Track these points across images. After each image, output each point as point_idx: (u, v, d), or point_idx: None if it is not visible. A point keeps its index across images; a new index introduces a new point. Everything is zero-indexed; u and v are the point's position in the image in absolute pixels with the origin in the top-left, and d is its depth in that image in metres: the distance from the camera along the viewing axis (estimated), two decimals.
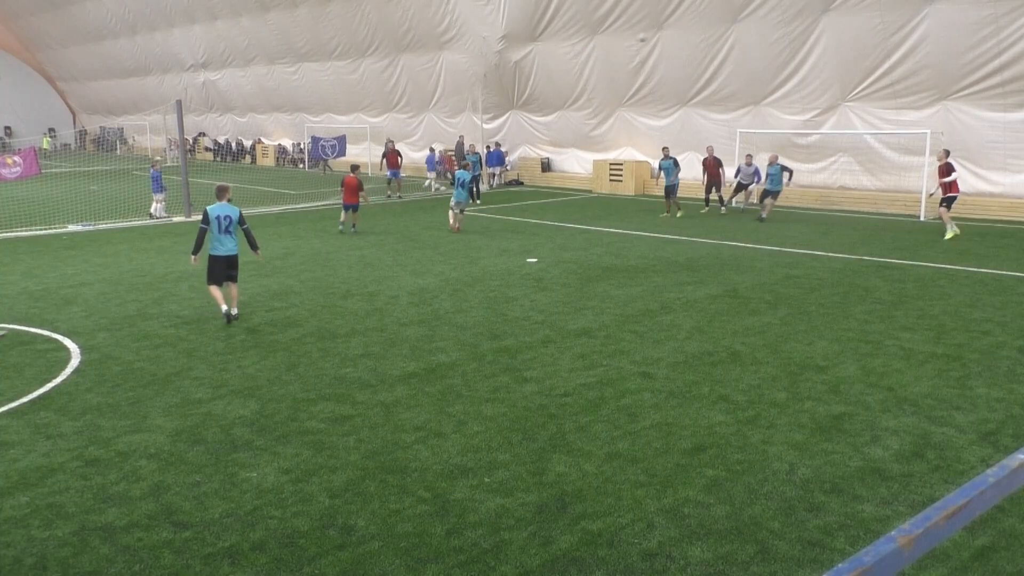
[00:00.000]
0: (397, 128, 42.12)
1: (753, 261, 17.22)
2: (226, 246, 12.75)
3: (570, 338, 11.54)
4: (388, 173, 31.63)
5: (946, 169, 20.14)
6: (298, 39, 44.64)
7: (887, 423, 8.33)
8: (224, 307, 12.60)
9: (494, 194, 32.95)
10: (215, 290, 12.81)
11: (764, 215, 23.81)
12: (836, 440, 7.92)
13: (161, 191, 25.92)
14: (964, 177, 24.32)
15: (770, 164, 24.18)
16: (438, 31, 37.51)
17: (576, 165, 35.38)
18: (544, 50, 33.84)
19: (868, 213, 25.07)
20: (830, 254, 17.87)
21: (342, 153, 39.07)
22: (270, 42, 46.44)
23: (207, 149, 57.06)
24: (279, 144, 51.03)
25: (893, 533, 1.22)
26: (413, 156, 41.52)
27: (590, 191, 32.97)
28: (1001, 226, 21.58)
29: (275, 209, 28.17)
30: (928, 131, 23.71)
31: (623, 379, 9.79)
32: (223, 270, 12.80)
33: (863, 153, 26.43)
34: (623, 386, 9.55)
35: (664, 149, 26.49)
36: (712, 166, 26.29)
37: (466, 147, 33.88)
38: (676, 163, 25.33)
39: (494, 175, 36.20)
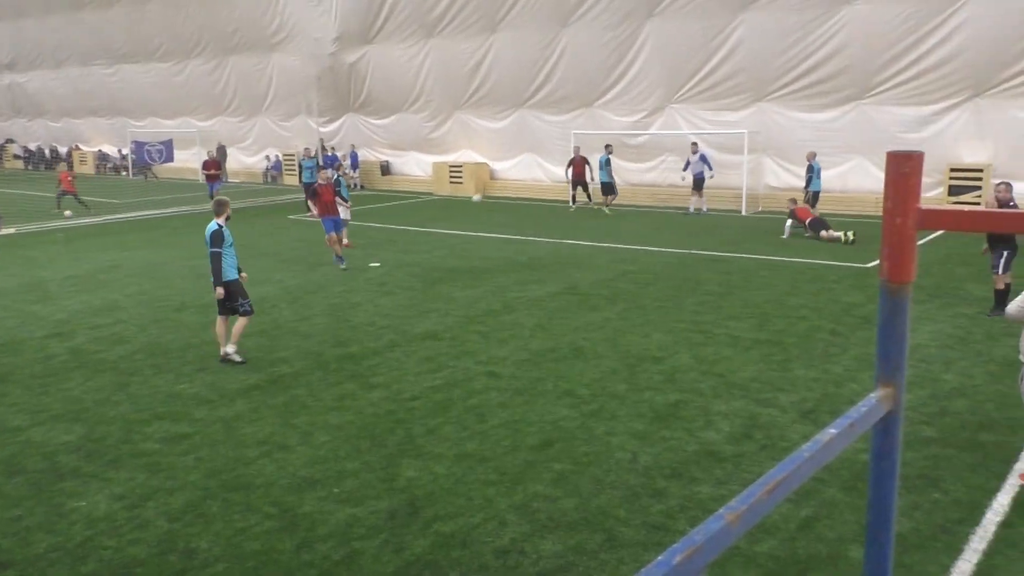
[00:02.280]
0: (228, 132, 40.57)
1: (591, 258, 17.77)
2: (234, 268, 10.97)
3: (416, 341, 11.51)
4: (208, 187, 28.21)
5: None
6: (115, 39, 42.13)
7: (719, 408, 8.81)
8: (225, 349, 10.80)
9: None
10: (223, 325, 10.96)
11: (702, 208, 24.46)
12: (674, 427, 8.31)
13: None
14: (778, 173, 26.15)
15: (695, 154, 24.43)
16: (268, 32, 36.43)
17: (416, 168, 35.28)
18: (379, 52, 33.54)
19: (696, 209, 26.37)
20: (663, 249, 18.69)
21: (169, 159, 37.20)
22: (84, 42, 43.58)
23: (16, 157, 52.83)
24: (99, 150, 47.94)
25: (721, 511, 1.30)
26: (247, 161, 40.15)
27: (431, 193, 32.99)
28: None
29: (97, 220, 26.48)
30: (746, 131, 25.25)
31: (470, 380, 9.86)
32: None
33: (688, 152, 27.78)
34: (470, 387, 9.62)
35: (693, 144, 25.35)
36: (579, 165, 26.32)
37: (310, 152, 33.03)
38: (706, 159, 24.83)
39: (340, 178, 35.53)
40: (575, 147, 27.26)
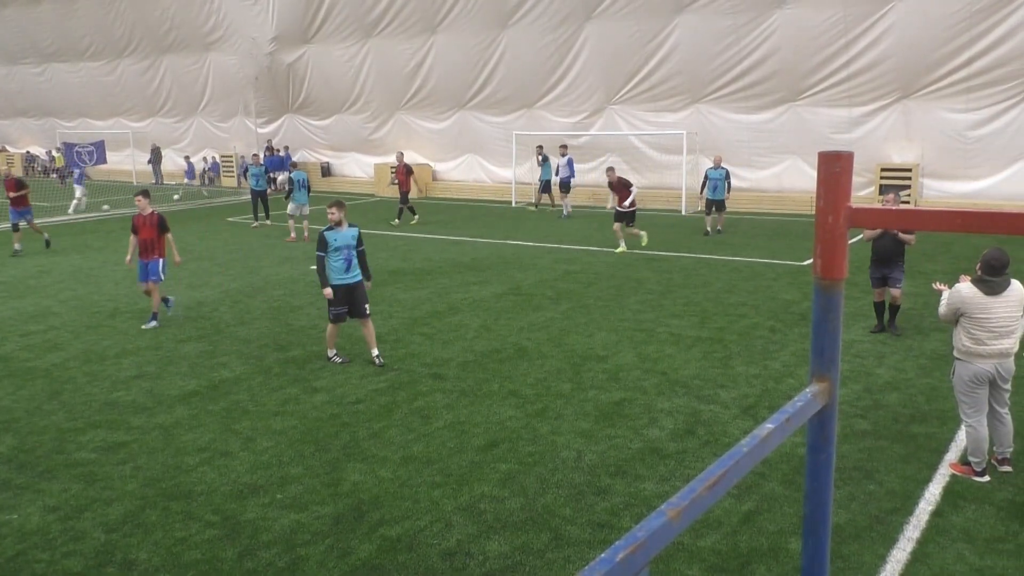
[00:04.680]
0: (164, 133, 39.69)
1: (534, 259, 17.84)
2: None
3: (359, 344, 11.41)
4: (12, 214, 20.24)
5: (620, 184, 18.52)
6: (43, 37, 40.86)
7: (662, 405, 8.93)
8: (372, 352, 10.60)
9: (273, 200, 31.87)
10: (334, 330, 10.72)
11: (719, 228, 21.17)
12: (618, 425, 8.39)
13: None
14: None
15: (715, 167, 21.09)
16: (203, 31, 35.74)
17: (357, 169, 34.98)
18: (318, 52, 33.17)
19: (636, 209, 26.63)
20: (605, 249, 18.86)
21: (102, 160, 36.16)
22: (9, 40, 42.16)
23: None
24: (27, 151, 46.38)
25: (663, 507, 1.32)
26: (183, 163, 39.37)
27: (372, 195, 32.74)
28: (750, 218, 23.72)
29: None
30: (684, 132, 25.63)
31: (415, 382, 9.82)
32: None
33: (629, 153, 28.07)
34: (415, 389, 9.58)
35: (716, 158, 21.60)
36: (401, 173, 24.00)
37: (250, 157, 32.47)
38: (728, 175, 21.23)
39: (272, 180, 35.05)
40: (398, 154, 25.50)
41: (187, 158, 35.96)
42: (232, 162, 36.88)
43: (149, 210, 12.79)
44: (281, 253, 19.30)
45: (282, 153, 35.23)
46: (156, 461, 7.72)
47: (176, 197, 31.86)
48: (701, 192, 21.80)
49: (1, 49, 42.98)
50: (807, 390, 1.75)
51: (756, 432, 1.57)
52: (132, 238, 12.77)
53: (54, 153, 42.22)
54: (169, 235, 12.91)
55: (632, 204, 18.39)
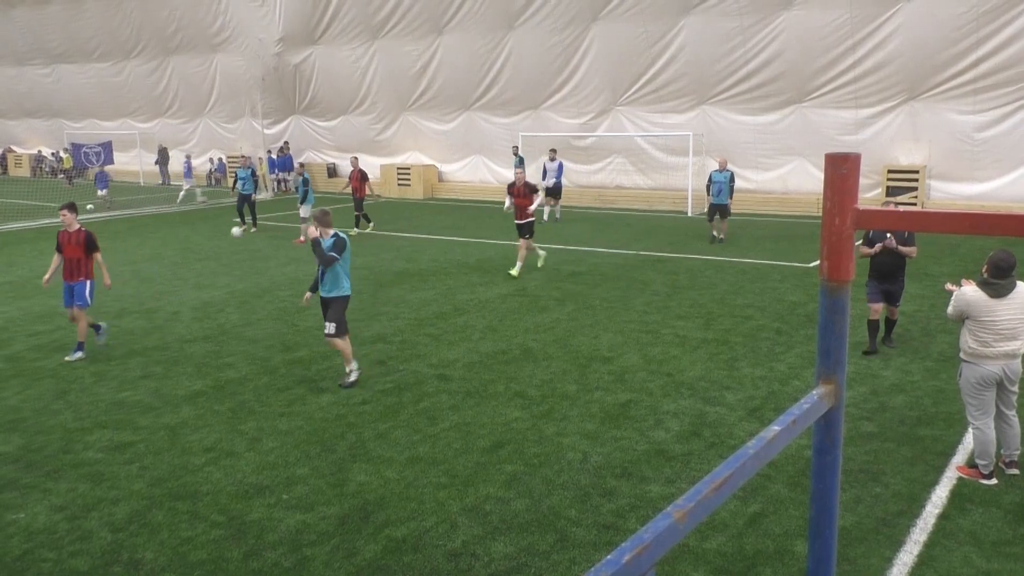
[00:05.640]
0: (170, 134, 39.81)
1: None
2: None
3: (365, 345, 11.42)
4: None
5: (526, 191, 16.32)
6: (51, 39, 41.03)
7: (668, 407, 8.91)
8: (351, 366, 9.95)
9: (279, 201, 31.97)
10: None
11: (721, 236, 19.86)
12: (624, 427, 8.38)
13: None
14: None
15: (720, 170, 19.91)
16: (210, 32, 35.83)
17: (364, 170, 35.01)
18: (325, 53, 33.23)
19: (642, 210, 26.67)
20: (610, 250, 18.85)
21: (109, 161, 36.26)
22: (18, 41, 42.33)
23: None
24: (38, 151, 46.51)
25: (669, 509, 1.32)
26: (193, 164, 39.46)
27: (379, 196, 32.78)
28: (757, 219, 23.68)
29: (32, 224, 25.75)
30: (691, 133, 25.61)
31: (420, 383, 9.83)
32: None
33: (635, 154, 28.07)
34: (421, 389, 9.59)
35: (720, 161, 20.52)
36: (355, 179, 23.09)
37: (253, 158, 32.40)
38: (732, 178, 19.90)
39: (279, 182, 35.18)
40: (353, 159, 24.33)
41: (188, 158, 35.78)
42: (238, 163, 36.98)
43: (76, 226, 11.23)
44: (287, 254, 19.33)
45: (283, 153, 35.30)
46: (162, 461, 7.74)
47: (202, 199, 31.67)
48: (708, 194, 20.81)
49: (10, 50, 43.16)
50: (813, 392, 1.75)
51: (762, 434, 1.57)
52: (56, 256, 11.29)
53: (62, 154, 42.37)
54: (98, 255, 11.37)
55: (531, 213, 16.09)
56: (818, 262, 1.83)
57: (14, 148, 48.11)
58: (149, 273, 17.16)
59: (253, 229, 23.31)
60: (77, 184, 40.00)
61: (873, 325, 10.70)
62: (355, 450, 7.91)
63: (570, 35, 27.57)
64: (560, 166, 25.00)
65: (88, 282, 11.20)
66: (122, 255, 19.39)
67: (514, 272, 15.86)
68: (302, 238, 21.04)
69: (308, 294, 10.09)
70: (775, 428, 1.60)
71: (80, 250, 11.15)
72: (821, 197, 1.77)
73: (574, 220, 24.45)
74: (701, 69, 25.64)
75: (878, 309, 10.65)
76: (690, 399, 9.15)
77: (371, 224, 23.08)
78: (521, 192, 16.13)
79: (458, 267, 17.15)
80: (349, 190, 23.45)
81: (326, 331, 9.73)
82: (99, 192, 30.62)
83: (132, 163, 40.47)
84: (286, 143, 35.65)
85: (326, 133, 35.50)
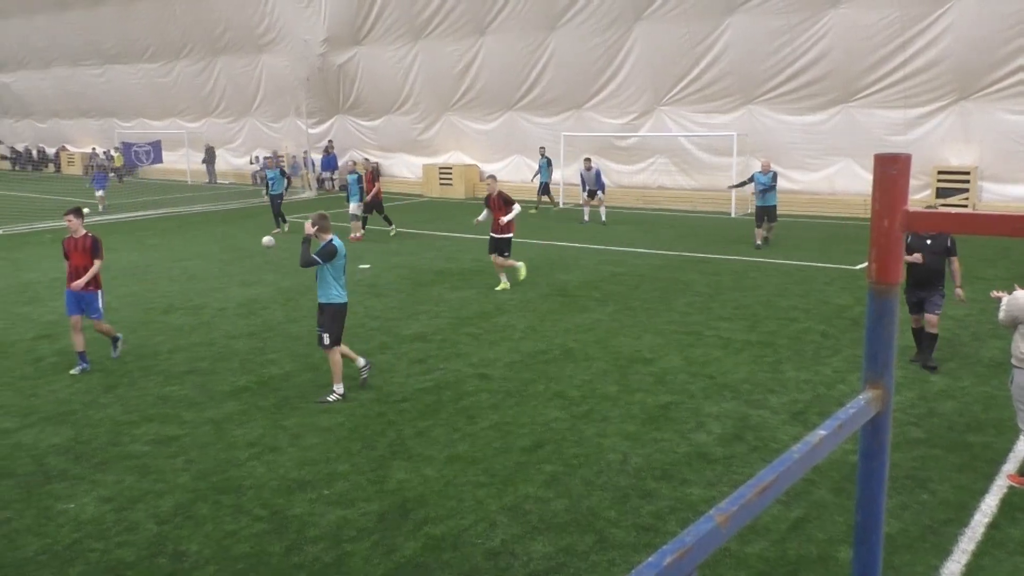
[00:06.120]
0: (217, 133, 40.46)
1: (579, 260, 17.79)
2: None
3: (406, 343, 11.50)
4: None
5: (501, 202, 14.95)
6: (103, 40, 41.95)
7: (710, 409, 8.83)
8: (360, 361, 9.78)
9: (320, 201, 32.30)
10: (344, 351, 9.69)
11: (762, 242, 19.12)
12: (664, 428, 8.32)
13: None
14: None
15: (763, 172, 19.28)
16: (256, 33, 36.35)
17: (405, 170, 35.24)
18: (368, 54, 33.51)
19: (685, 211, 26.46)
20: (652, 251, 18.73)
21: (158, 160, 37.01)
22: (72, 42, 43.37)
23: (3, 158, 52.52)
24: (93, 149, 47.53)
25: (711, 512, 1.31)
26: (235, 163, 40.07)
27: (421, 195, 32.96)
28: (803, 221, 23.35)
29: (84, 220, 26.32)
30: (735, 133, 25.34)
31: (460, 381, 9.86)
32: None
33: (678, 154, 27.85)
34: (461, 388, 9.62)
35: (764, 162, 19.83)
36: (369, 181, 22.70)
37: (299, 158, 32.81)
38: (775, 178, 19.32)
39: (323, 180, 35.57)
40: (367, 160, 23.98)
41: (206, 152, 34.56)
42: (283, 162, 37.43)
43: (82, 232, 10.76)
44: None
45: (327, 153, 35.63)
46: (207, 455, 7.87)
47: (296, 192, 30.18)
48: (739, 185, 21.40)
49: (64, 51, 44.23)
50: (860, 396, 1.72)
51: (808, 438, 1.55)
52: (67, 264, 10.85)
53: (112, 152, 43.29)
54: (99, 262, 10.77)
55: (509, 227, 14.88)
56: (865, 264, 1.80)
57: (68, 147, 49.27)
58: (196, 271, 17.45)
59: (284, 228, 23.09)
60: (128, 182, 40.84)
61: (916, 333, 10.30)
62: (395, 447, 7.97)
63: (613, 35, 27.45)
64: (598, 173, 24.23)
65: (99, 292, 10.85)
66: (168, 252, 19.75)
67: (501, 287, 14.79)
68: (358, 235, 21.24)
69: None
70: (821, 432, 1.57)
71: (87, 257, 10.69)
72: (868, 198, 1.74)
73: (616, 221, 24.34)
74: (746, 68, 25.36)
75: (917, 319, 10.21)
76: (732, 402, 9.06)
77: (369, 225, 22.35)
78: (496, 204, 14.87)
79: None
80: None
81: (319, 341, 9.49)
82: (96, 193, 29.34)
83: (180, 162, 41.18)
84: (330, 142, 36.00)
85: (369, 133, 35.79)
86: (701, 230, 22.25)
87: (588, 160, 24.67)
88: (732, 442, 7.97)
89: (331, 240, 9.44)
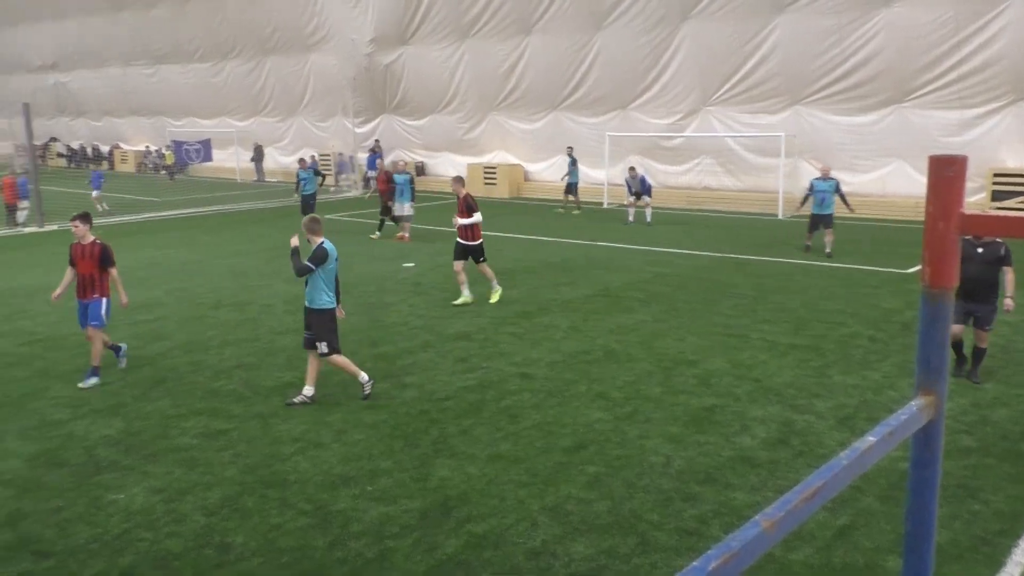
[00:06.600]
0: (266, 132, 41.05)
1: (623, 261, 17.70)
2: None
3: (449, 342, 11.55)
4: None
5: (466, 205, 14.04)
6: (155, 40, 42.87)
7: (754, 413, 8.73)
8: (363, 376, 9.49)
9: (365, 200, 32.59)
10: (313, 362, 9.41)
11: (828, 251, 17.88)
12: (708, 431, 8.25)
13: (24, 198, 24.46)
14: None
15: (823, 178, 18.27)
16: (305, 33, 36.82)
17: (450, 169, 35.32)
18: (415, 53, 33.74)
19: (730, 212, 26.19)
20: (696, 252, 18.57)
21: (208, 158, 37.66)
22: (125, 43, 44.40)
23: (60, 155, 53.91)
24: (146, 147, 48.55)
25: (758, 518, 1.29)
26: (283, 161, 40.62)
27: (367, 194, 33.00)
28: (851, 223, 22.96)
29: (136, 217, 26.94)
30: (783, 134, 24.99)
31: (503, 381, 9.88)
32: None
33: (724, 155, 27.58)
34: (503, 388, 9.63)
35: (823, 169, 18.92)
36: (382, 181, 22.57)
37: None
38: (839, 187, 18.37)
39: (369, 179, 35.87)
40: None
41: (255, 150, 34.54)
42: (330, 160, 37.85)
43: (90, 238, 10.18)
44: (372, 251, 19.69)
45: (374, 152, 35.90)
46: (254, 449, 7.99)
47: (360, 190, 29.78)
48: (801, 204, 19.00)
49: (117, 51, 45.28)
50: (912, 403, 1.69)
51: (857, 445, 1.53)
52: (68, 271, 10.29)
53: (164, 151, 44.18)
54: (114, 271, 10.30)
55: (476, 234, 14.00)
56: (917, 268, 1.77)
57: (121, 145, 50.40)
58: (244, 267, 17.72)
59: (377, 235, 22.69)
60: (178, 180, 41.64)
61: (955, 346, 9.45)
62: (438, 445, 8.01)
63: (659, 35, 27.28)
64: (643, 179, 23.90)
65: (103, 300, 10.21)
66: (217, 248, 20.09)
67: (495, 298, 13.98)
68: (405, 235, 21.35)
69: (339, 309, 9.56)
70: (870, 439, 1.55)
71: (94, 265, 10.11)
72: (920, 201, 1.71)
73: (660, 222, 24.17)
74: (795, 68, 25.01)
75: (959, 331, 9.25)
76: (778, 406, 8.94)
77: (379, 233, 21.99)
78: (460, 207, 13.96)
79: (542, 266, 17.17)
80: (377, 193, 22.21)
81: (318, 351, 9.21)
82: (93, 194, 27.89)
83: (229, 160, 41.85)
84: (377, 142, 36.29)
85: (415, 132, 36.02)
86: (747, 232, 22.00)
87: (633, 169, 24.17)
88: (777, 447, 7.87)
89: (322, 243, 9.31)
